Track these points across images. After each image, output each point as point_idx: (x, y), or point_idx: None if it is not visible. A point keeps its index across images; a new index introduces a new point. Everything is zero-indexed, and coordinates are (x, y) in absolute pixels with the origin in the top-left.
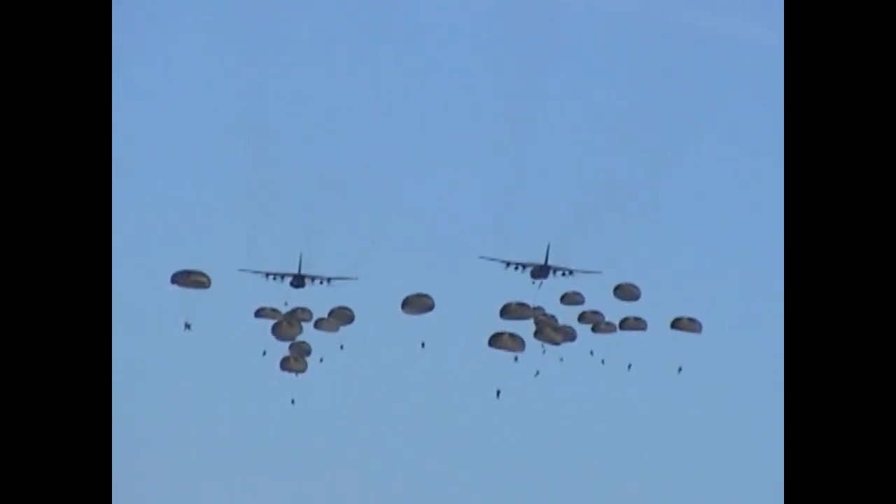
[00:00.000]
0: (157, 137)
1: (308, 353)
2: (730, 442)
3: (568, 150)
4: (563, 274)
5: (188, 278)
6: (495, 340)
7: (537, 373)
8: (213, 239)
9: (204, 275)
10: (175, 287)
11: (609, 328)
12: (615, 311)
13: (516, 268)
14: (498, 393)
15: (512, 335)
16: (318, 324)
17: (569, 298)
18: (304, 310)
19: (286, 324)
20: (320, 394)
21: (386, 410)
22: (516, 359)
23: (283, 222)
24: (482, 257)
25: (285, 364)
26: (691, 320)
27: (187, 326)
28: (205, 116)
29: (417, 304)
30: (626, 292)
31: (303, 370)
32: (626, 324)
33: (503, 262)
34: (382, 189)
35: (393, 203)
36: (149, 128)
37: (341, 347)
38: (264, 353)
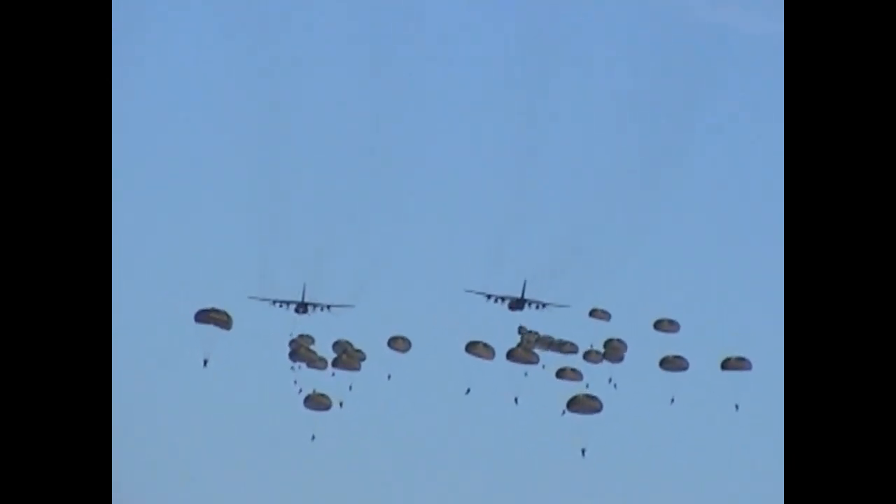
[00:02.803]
0: (160, 161)
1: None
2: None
3: (565, 165)
4: (537, 307)
5: (210, 316)
6: (573, 404)
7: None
8: (221, 267)
9: (226, 314)
10: (195, 324)
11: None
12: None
13: (496, 300)
14: (583, 451)
15: (589, 395)
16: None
17: (597, 314)
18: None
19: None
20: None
21: (386, 435)
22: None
23: (288, 254)
24: (468, 291)
25: (309, 401)
26: (740, 359)
27: (205, 363)
28: (211, 138)
29: (482, 352)
30: (662, 327)
31: (327, 406)
32: (665, 363)
33: (486, 294)
34: (380, 225)
35: (390, 238)
36: (152, 151)
37: (388, 377)
38: (300, 391)
